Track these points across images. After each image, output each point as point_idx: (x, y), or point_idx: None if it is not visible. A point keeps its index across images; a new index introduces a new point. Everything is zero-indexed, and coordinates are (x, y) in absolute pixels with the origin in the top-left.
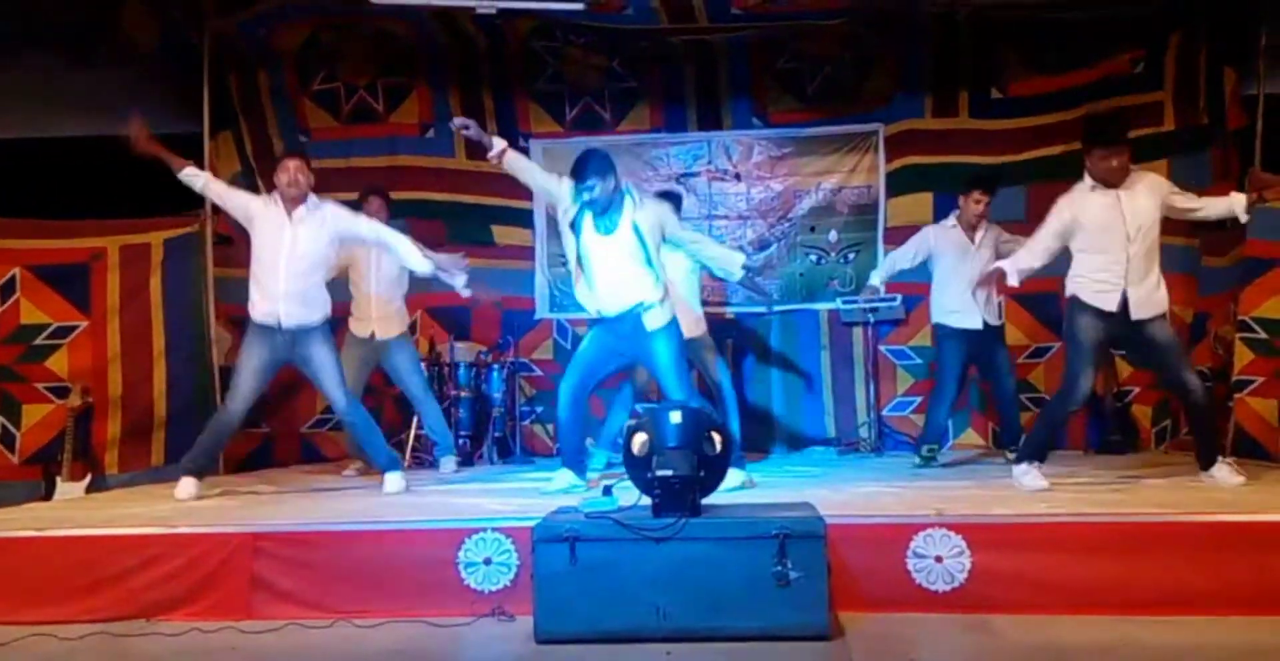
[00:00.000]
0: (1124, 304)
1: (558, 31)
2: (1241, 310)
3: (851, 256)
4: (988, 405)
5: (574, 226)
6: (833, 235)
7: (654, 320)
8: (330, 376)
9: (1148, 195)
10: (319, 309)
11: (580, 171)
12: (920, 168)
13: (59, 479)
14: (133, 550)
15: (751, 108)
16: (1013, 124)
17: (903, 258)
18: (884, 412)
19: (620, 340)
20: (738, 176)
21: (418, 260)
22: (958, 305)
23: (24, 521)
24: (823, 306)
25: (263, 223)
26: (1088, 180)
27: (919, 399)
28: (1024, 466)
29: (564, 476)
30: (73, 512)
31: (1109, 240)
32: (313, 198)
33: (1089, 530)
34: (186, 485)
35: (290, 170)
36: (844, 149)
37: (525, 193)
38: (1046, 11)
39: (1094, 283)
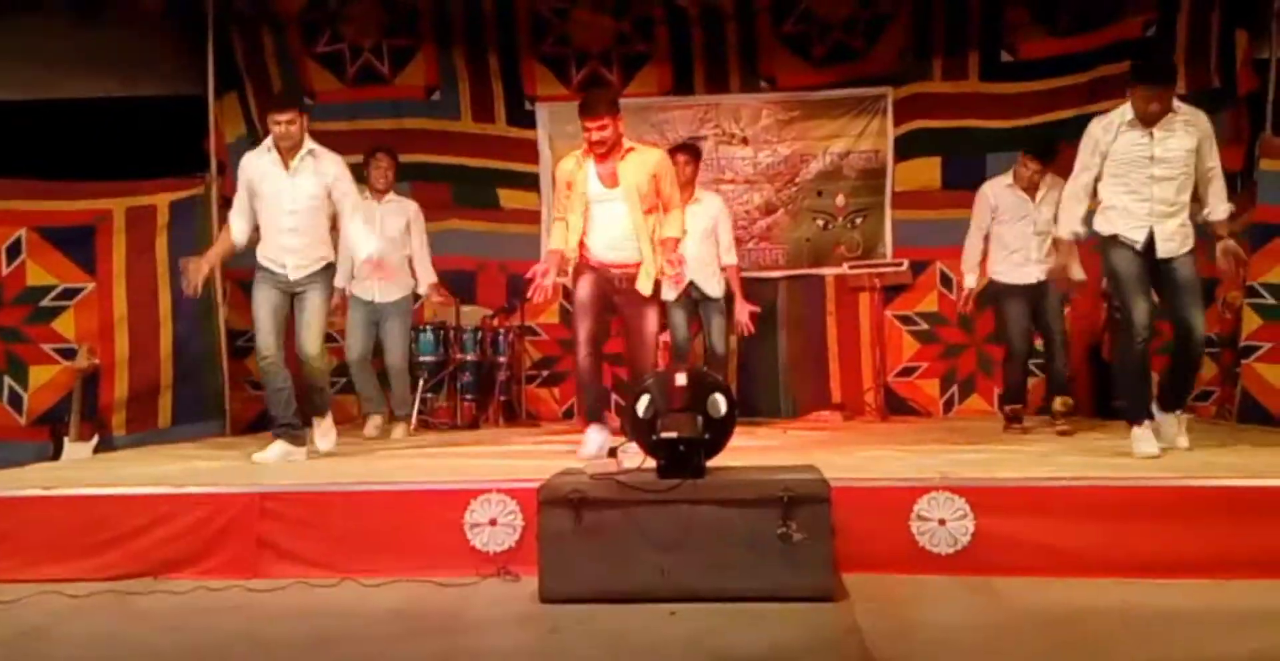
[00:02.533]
0: (1150, 241)
1: None
2: (1250, 276)
3: (859, 221)
4: (995, 370)
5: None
6: (840, 200)
7: (644, 284)
8: (312, 323)
9: (1184, 134)
10: (323, 256)
11: (591, 106)
12: (929, 132)
13: (66, 439)
14: (140, 510)
15: (759, 71)
16: (1023, 87)
17: (977, 233)
18: (890, 378)
19: (614, 291)
20: (745, 140)
21: (359, 246)
22: (1019, 259)
23: (32, 481)
24: (829, 271)
25: (260, 179)
26: (1128, 111)
27: (925, 364)
28: (1138, 430)
29: (594, 435)
30: (80, 472)
31: (1134, 177)
32: (309, 146)
33: (1091, 493)
34: (274, 449)
35: (281, 124)
36: (852, 113)
37: (532, 156)
38: None
39: (1122, 217)
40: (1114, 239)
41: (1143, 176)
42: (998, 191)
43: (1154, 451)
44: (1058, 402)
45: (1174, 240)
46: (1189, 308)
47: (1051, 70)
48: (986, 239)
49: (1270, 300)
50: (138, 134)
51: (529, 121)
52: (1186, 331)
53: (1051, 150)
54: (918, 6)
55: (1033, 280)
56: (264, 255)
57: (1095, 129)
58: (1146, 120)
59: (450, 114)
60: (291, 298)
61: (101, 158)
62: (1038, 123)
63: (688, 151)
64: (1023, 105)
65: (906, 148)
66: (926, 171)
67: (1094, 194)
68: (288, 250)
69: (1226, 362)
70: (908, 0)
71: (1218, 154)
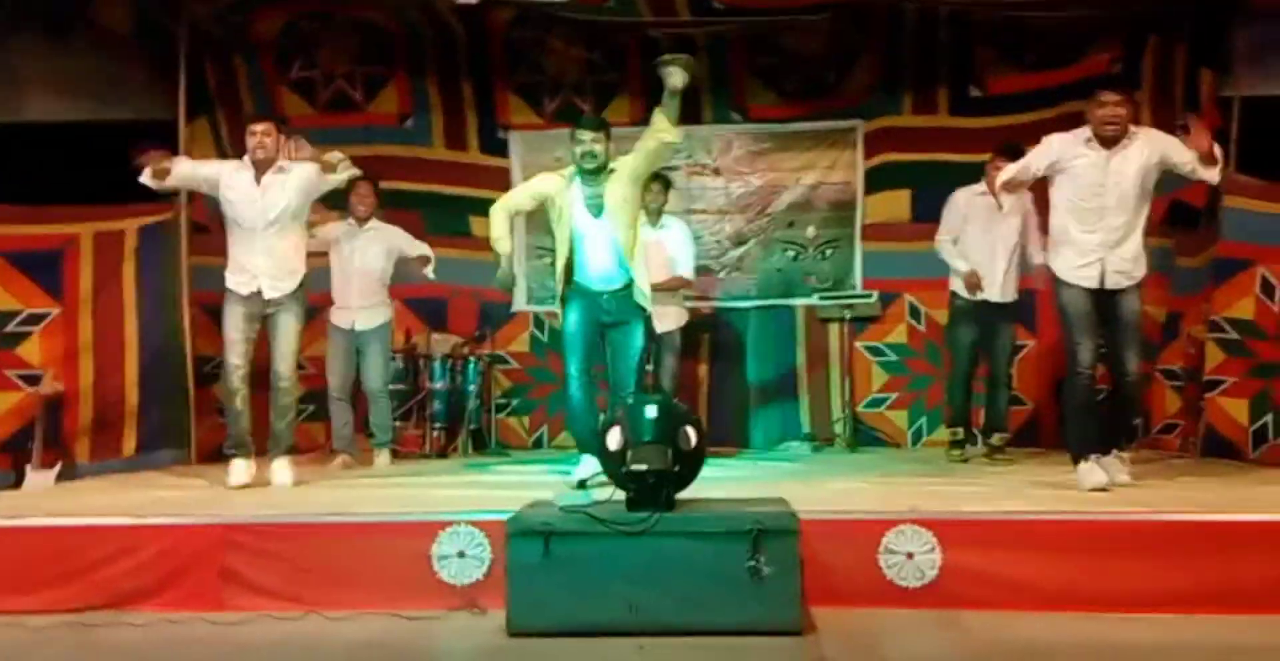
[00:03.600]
0: (1102, 274)
1: (538, 23)
2: (1214, 310)
3: (829, 252)
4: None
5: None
6: (810, 231)
7: (643, 299)
8: (285, 345)
9: (1140, 155)
10: (295, 276)
11: (591, 124)
12: (899, 164)
13: (29, 467)
14: (103, 540)
15: (731, 102)
16: (992, 122)
17: (947, 238)
18: (859, 409)
19: (603, 313)
20: (716, 171)
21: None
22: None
23: None
24: (799, 302)
25: (231, 191)
26: (1085, 130)
27: (894, 395)
28: (1084, 464)
29: (590, 464)
30: (42, 502)
31: (1088, 205)
32: (283, 161)
33: (1060, 527)
34: (237, 469)
35: (257, 135)
36: (823, 145)
37: (504, 184)
38: (1026, 10)
39: (1076, 254)
40: (1064, 282)
41: (1095, 205)
42: (970, 199)
43: (1101, 482)
44: (995, 438)
45: (1123, 272)
46: (1127, 346)
47: (1019, 105)
48: (949, 243)
49: (1233, 334)
50: (107, 158)
51: (502, 149)
52: (1121, 369)
53: (1020, 151)
54: (888, 41)
55: (993, 300)
56: (233, 278)
57: (1054, 139)
58: (1102, 133)
59: (423, 141)
60: (263, 318)
61: (70, 182)
62: None
63: (660, 181)
64: (991, 139)
65: (877, 180)
66: (896, 204)
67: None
68: (260, 268)
69: (1190, 396)
70: (878, 35)
71: (1186, 149)
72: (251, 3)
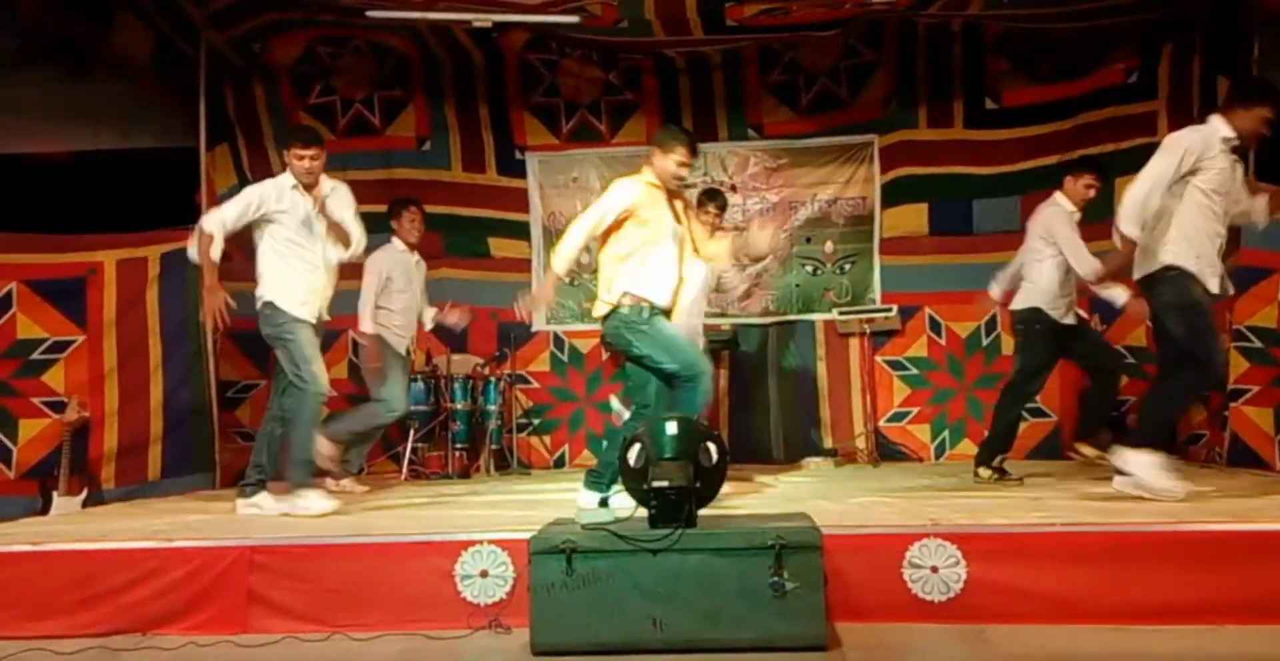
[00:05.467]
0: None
1: (553, 45)
2: (1236, 319)
3: (847, 267)
4: (986, 414)
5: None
6: (829, 246)
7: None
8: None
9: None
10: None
11: (695, 141)
12: (915, 178)
13: (55, 493)
14: (129, 564)
15: (747, 119)
16: (1007, 134)
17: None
18: (880, 424)
19: None
20: (734, 188)
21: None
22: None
23: (21, 536)
24: (819, 317)
25: (283, 215)
26: (1228, 129)
27: (915, 409)
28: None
29: None
30: (69, 527)
31: (1221, 205)
32: (325, 180)
33: (1083, 539)
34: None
35: (306, 160)
36: (839, 160)
37: (522, 205)
38: (1040, 22)
39: (1205, 256)
40: (1191, 276)
41: (1223, 206)
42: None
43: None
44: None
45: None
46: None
47: (1035, 117)
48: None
49: (1257, 343)
50: (129, 186)
51: (519, 171)
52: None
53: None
54: (901, 55)
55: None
56: (306, 306)
57: (1186, 138)
58: (1248, 143)
59: (441, 164)
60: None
61: (93, 210)
62: (1023, 169)
63: (717, 199)
64: (1007, 151)
65: (893, 194)
66: (913, 217)
67: None
68: (322, 288)
69: (1215, 406)
70: (891, 49)
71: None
72: (270, 29)
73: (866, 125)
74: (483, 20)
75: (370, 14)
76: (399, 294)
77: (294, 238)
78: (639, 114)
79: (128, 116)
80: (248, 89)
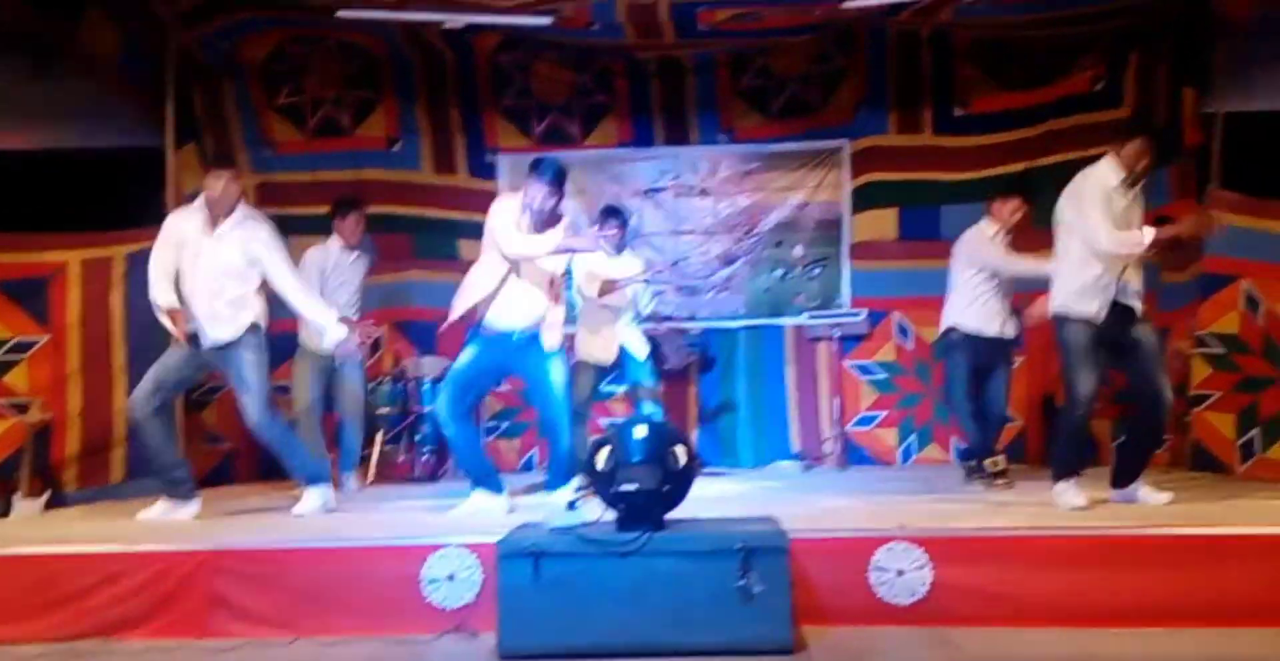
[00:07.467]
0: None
1: (525, 46)
2: (1199, 325)
3: (816, 272)
4: (952, 418)
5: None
6: (798, 250)
7: (551, 341)
8: (247, 390)
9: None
10: (242, 322)
11: (562, 177)
12: (885, 184)
13: (16, 496)
14: (91, 568)
15: (718, 123)
16: (976, 141)
17: None
18: (848, 427)
19: (507, 356)
20: (704, 191)
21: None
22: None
23: None
24: (788, 321)
25: (183, 236)
26: (1121, 169)
27: (883, 413)
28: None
29: (479, 498)
30: (30, 530)
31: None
32: (241, 211)
33: (1049, 543)
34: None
35: (216, 185)
36: (810, 165)
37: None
38: (1009, 29)
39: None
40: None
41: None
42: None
43: (1081, 503)
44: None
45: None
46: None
47: (1003, 124)
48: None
49: (1219, 349)
50: (95, 185)
51: (490, 173)
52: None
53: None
54: (872, 62)
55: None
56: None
57: (1097, 181)
58: (1139, 179)
59: (411, 165)
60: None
61: (58, 209)
62: (991, 175)
63: (618, 216)
64: (976, 158)
65: (863, 199)
66: (883, 223)
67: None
68: (200, 315)
69: (1177, 412)
70: (861, 55)
71: None
72: (239, 28)
73: (837, 130)
74: (454, 22)
75: (341, 14)
76: (333, 293)
77: (182, 258)
78: (611, 116)
79: (94, 114)
80: (216, 88)
